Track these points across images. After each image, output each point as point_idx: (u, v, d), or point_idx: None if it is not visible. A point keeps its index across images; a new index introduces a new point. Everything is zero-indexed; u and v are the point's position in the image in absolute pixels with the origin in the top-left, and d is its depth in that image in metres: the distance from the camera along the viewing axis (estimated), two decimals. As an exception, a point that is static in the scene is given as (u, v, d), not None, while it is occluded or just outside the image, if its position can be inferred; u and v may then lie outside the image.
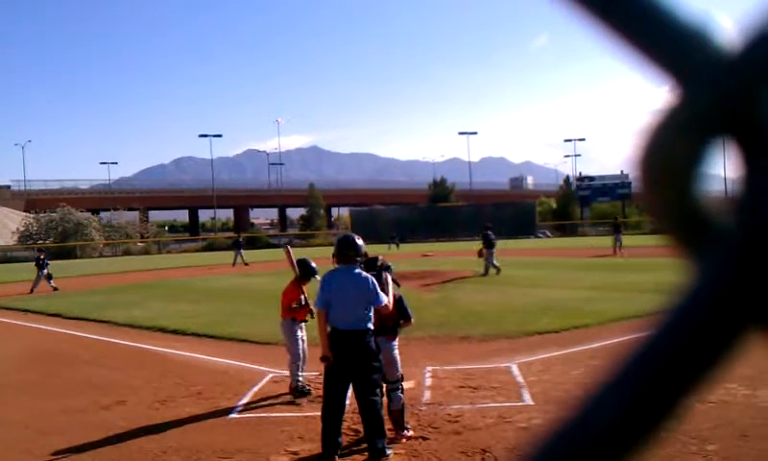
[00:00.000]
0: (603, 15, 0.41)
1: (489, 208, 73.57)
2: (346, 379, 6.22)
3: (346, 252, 6.45)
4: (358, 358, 6.13)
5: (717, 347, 0.39)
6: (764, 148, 0.39)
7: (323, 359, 6.21)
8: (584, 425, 0.41)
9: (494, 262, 23.35)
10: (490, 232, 23.59)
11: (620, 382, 0.40)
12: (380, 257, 7.35)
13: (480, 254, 23.96)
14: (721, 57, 0.39)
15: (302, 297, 8.61)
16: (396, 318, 6.90)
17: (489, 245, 23.54)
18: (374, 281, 6.34)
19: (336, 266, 6.55)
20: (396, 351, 6.86)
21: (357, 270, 6.38)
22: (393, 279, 7.01)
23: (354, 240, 6.53)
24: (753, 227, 0.38)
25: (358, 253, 6.47)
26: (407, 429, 6.72)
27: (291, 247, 9.83)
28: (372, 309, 6.27)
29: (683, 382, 0.39)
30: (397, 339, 6.96)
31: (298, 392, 8.20)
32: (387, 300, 6.38)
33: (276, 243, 72.99)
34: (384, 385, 6.65)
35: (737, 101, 0.39)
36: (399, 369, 6.87)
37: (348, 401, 6.33)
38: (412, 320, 7.10)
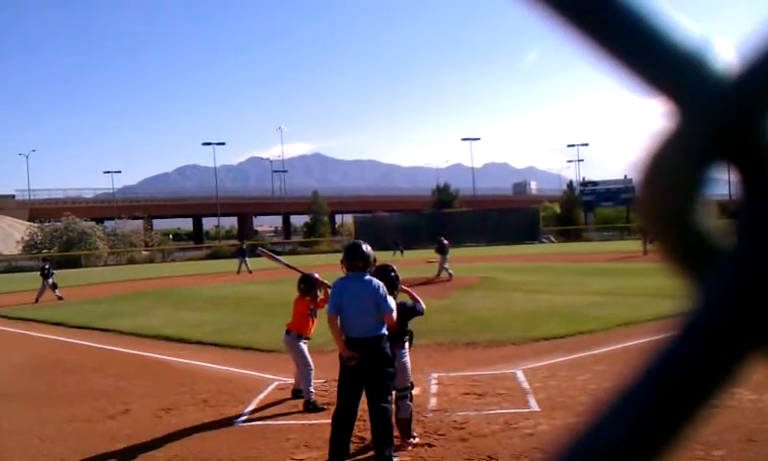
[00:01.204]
0: (602, 41, 0.42)
1: (493, 214, 73.68)
2: (360, 386, 6.18)
3: (354, 262, 6.42)
4: (374, 365, 6.10)
5: (721, 369, 0.39)
6: (763, 171, 0.39)
7: (347, 360, 6.14)
8: (587, 449, 0.42)
9: (446, 267, 25.40)
10: (443, 239, 26.14)
11: (625, 405, 0.41)
12: (393, 266, 7.35)
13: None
14: (720, 81, 0.40)
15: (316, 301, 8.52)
16: (403, 326, 6.87)
17: (442, 251, 25.72)
18: (384, 288, 6.30)
19: (346, 274, 6.53)
20: (407, 359, 6.84)
21: (367, 277, 6.36)
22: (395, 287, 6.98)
23: (362, 250, 6.48)
24: (754, 249, 0.38)
25: (367, 263, 6.44)
26: (413, 437, 6.71)
27: (264, 249, 10.90)
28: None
29: (687, 403, 0.40)
30: (407, 346, 6.93)
31: (310, 405, 8.09)
32: (394, 309, 6.31)
33: (280, 250, 73.08)
34: (393, 393, 6.66)
35: (736, 125, 0.39)
36: (410, 376, 6.86)
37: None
38: (423, 308, 7.11)
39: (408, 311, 6.97)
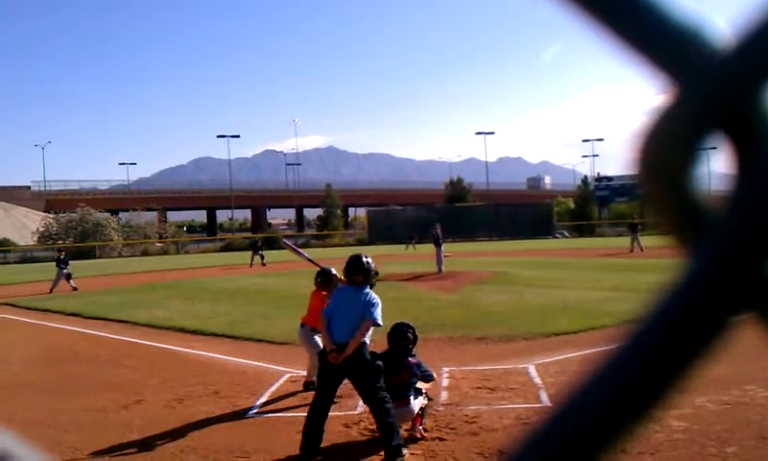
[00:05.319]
0: (601, 16, 0.42)
1: (506, 208, 73.41)
2: (335, 384, 6.42)
3: (354, 277, 6.68)
4: (353, 368, 6.31)
5: (708, 332, 0.40)
6: (755, 142, 0.40)
7: (330, 352, 6.30)
8: (581, 407, 0.42)
9: (439, 261, 25.23)
10: (438, 230, 26.13)
11: (612, 369, 0.41)
12: (412, 325, 7.32)
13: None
14: (715, 56, 0.41)
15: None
16: (411, 382, 6.79)
17: (437, 244, 25.70)
18: (378, 300, 6.50)
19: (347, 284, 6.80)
20: (414, 407, 6.73)
21: (366, 290, 6.58)
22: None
23: (362, 264, 6.70)
24: (743, 216, 0.39)
25: (367, 276, 6.67)
26: (422, 426, 6.74)
27: (287, 242, 11.17)
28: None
29: (674, 368, 0.40)
30: (412, 401, 6.71)
31: None
32: (378, 319, 6.42)
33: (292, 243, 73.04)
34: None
35: (730, 99, 0.40)
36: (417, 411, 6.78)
37: (361, 403, 6.36)
38: (434, 376, 7.25)
39: (422, 372, 6.95)
